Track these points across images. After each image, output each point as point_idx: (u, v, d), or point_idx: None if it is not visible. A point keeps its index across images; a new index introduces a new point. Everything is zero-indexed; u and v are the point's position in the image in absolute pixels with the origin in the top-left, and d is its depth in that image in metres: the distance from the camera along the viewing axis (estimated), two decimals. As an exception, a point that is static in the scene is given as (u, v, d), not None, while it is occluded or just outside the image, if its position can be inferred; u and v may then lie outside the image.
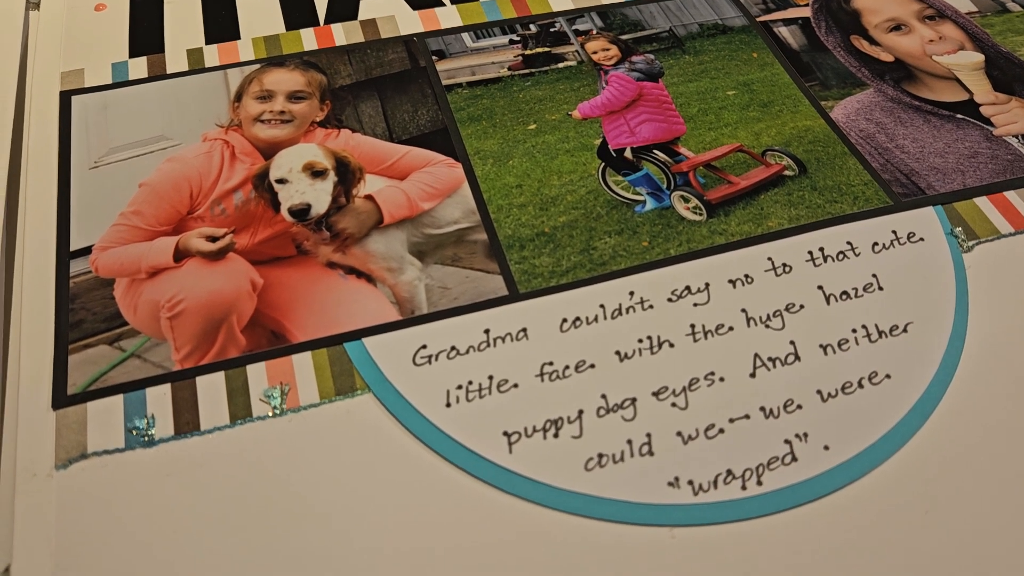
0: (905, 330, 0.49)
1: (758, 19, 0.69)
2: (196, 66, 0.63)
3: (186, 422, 0.45)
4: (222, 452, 0.44)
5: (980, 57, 0.66)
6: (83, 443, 0.44)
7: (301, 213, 0.54)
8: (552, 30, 0.67)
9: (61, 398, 0.46)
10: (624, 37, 0.66)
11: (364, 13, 0.68)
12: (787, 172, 0.58)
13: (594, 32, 0.67)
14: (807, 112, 0.62)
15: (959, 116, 0.62)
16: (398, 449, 0.45)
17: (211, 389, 0.47)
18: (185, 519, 0.42)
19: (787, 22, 0.69)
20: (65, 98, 0.60)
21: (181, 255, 0.52)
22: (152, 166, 0.56)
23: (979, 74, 0.65)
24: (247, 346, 0.49)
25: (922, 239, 0.54)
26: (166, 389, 0.46)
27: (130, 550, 0.41)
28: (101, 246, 0.52)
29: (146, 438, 0.45)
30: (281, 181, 0.55)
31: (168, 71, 0.63)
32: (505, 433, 0.45)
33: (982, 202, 0.56)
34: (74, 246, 0.53)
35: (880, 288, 0.51)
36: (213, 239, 0.53)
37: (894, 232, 0.54)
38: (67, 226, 0.53)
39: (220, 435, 0.45)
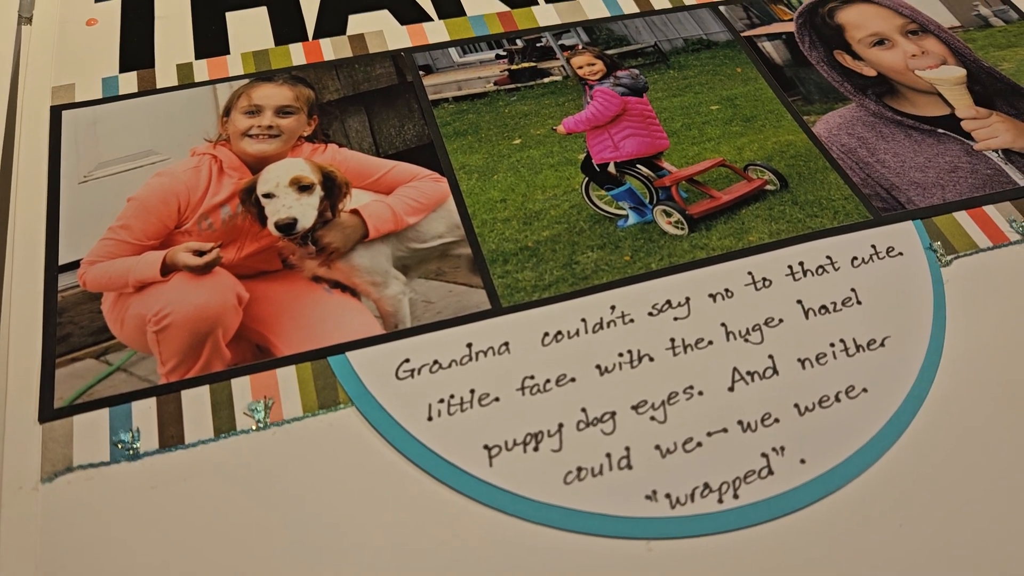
0: (883, 344, 0.50)
1: (742, 34, 0.70)
2: (186, 81, 0.64)
3: (171, 436, 0.46)
4: (206, 465, 0.45)
5: (962, 72, 0.66)
6: (69, 456, 0.45)
7: (287, 227, 0.54)
8: (538, 45, 0.68)
9: (47, 411, 0.46)
10: (610, 52, 0.67)
11: (352, 28, 0.69)
12: (769, 187, 0.58)
13: (580, 47, 0.68)
14: (789, 127, 0.62)
15: (940, 131, 0.63)
16: (380, 462, 0.45)
17: (196, 403, 0.47)
18: (169, 532, 0.43)
19: (771, 37, 0.69)
20: (55, 113, 0.61)
21: (168, 269, 0.53)
22: (141, 181, 0.57)
23: (961, 89, 0.65)
24: (232, 360, 0.49)
25: (901, 253, 0.55)
26: (151, 403, 0.47)
27: (115, 563, 0.41)
28: (89, 260, 0.53)
29: (131, 451, 0.45)
30: (268, 195, 0.55)
31: (158, 86, 0.64)
32: (486, 447, 0.46)
33: (961, 216, 0.57)
34: (63, 260, 0.53)
35: (859, 302, 0.52)
36: (200, 253, 0.53)
37: (873, 247, 0.55)
38: (56, 240, 0.54)
39: (204, 448, 0.46)
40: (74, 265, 0.53)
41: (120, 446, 0.45)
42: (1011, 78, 0.67)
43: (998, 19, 0.73)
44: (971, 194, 0.58)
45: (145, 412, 0.47)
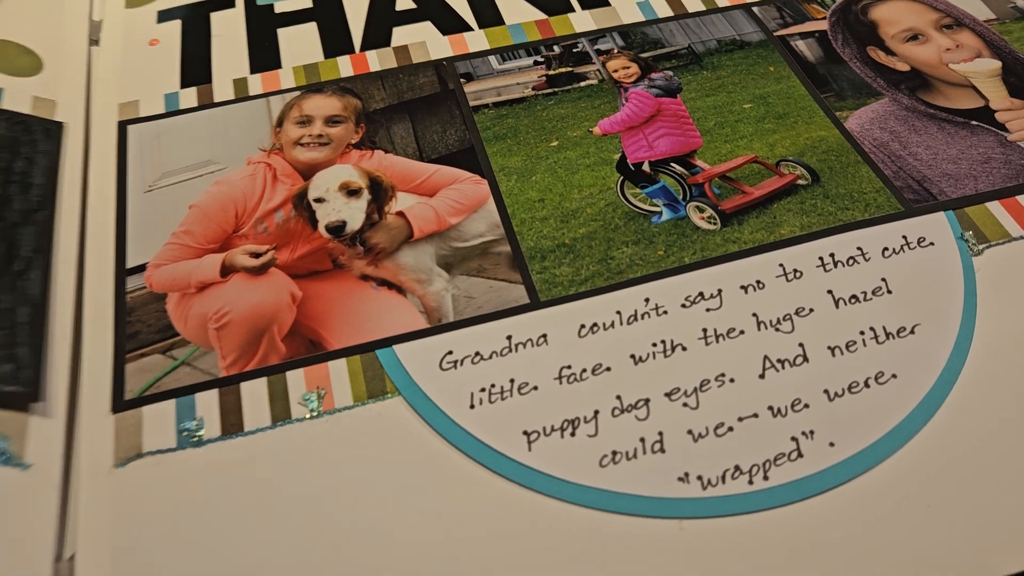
0: (912, 332, 0.51)
1: (775, 33, 0.71)
2: (241, 94, 0.68)
3: (231, 424, 0.49)
4: (264, 451, 0.48)
5: (997, 64, 0.67)
6: (139, 444, 0.48)
7: (337, 230, 0.57)
8: (575, 50, 0.70)
9: (119, 403, 0.50)
10: (644, 55, 0.69)
11: (397, 40, 0.72)
12: (800, 181, 0.60)
13: (615, 51, 0.70)
14: (822, 123, 0.64)
15: (974, 123, 0.63)
16: (425, 448, 0.48)
17: (254, 394, 0.50)
18: (229, 512, 0.46)
19: (804, 35, 0.71)
20: (122, 127, 0.65)
21: (227, 271, 0.56)
22: (201, 189, 0.60)
23: (995, 81, 0.66)
24: (287, 354, 0.52)
25: (932, 243, 0.55)
26: (213, 394, 0.50)
27: (179, 539, 0.45)
28: (155, 263, 0.57)
29: (195, 439, 0.48)
30: (319, 200, 0.58)
31: (215, 100, 0.67)
32: (525, 432, 0.48)
33: (994, 206, 0.57)
34: (130, 263, 0.57)
35: (889, 291, 0.53)
36: (256, 255, 0.56)
37: (904, 237, 0.56)
38: (124, 245, 0.58)
39: (262, 436, 0.49)
40: (141, 268, 0.57)
41: (185, 434, 0.49)
42: (1047, 69, 0.67)
43: (1035, 10, 0.73)
44: (1004, 184, 0.58)
45: (208, 403, 0.50)
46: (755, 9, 0.73)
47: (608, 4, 0.74)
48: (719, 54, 0.70)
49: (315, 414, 0.49)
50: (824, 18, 0.72)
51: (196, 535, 0.45)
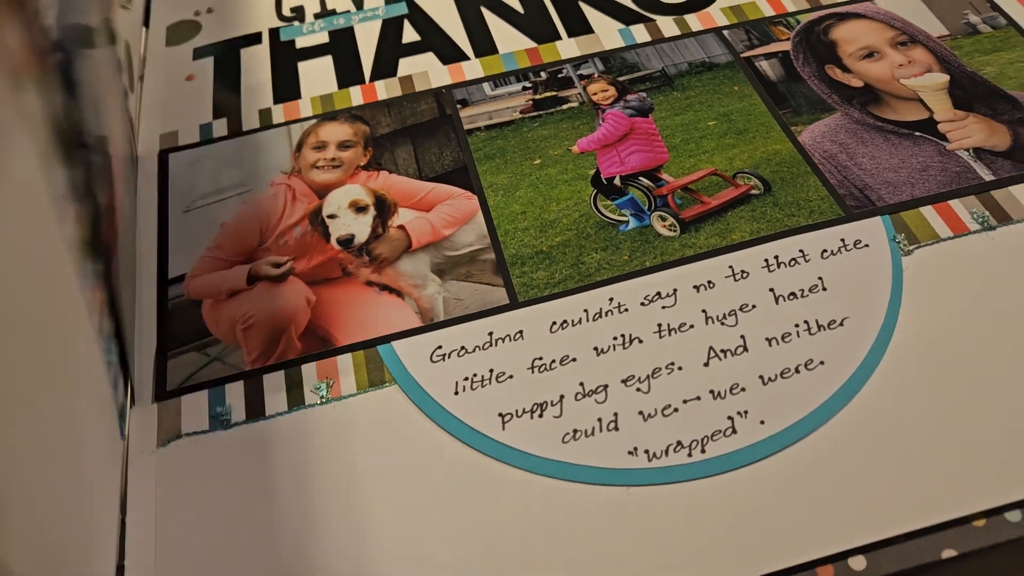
0: (841, 324, 0.58)
1: (742, 55, 0.78)
2: (266, 123, 0.76)
3: (255, 410, 0.57)
4: (282, 432, 0.56)
5: (945, 78, 0.73)
6: (178, 427, 0.57)
7: (346, 242, 0.66)
8: (559, 76, 0.78)
9: (162, 393, 0.59)
10: (622, 78, 0.77)
11: (402, 70, 0.80)
12: (754, 191, 0.67)
13: (595, 75, 0.77)
14: (778, 137, 0.71)
15: (917, 134, 0.70)
16: (417, 429, 0.56)
17: (274, 384, 0.58)
18: (254, 483, 0.54)
19: (768, 56, 0.78)
20: (163, 155, 0.75)
21: (253, 279, 0.65)
22: (230, 208, 0.69)
23: (941, 94, 0.72)
24: (302, 350, 0.61)
25: (867, 245, 0.62)
26: (240, 385, 0.58)
27: (213, 507, 0.53)
28: (192, 274, 0.65)
29: (225, 422, 0.57)
30: (331, 216, 0.67)
31: (244, 129, 0.76)
32: (500, 414, 0.56)
33: (927, 210, 0.64)
34: (171, 274, 0.65)
35: (824, 289, 0.60)
36: (277, 265, 0.65)
37: (842, 240, 0.63)
38: (166, 259, 0.66)
39: (281, 419, 0.57)
40: (180, 278, 0.65)
41: (216, 418, 0.58)
42: (992, 81, 0.73)
43: (986, 26, 0.79)
44: (938, 190, 0.65)
45: (236, 392, 0.58)
46: (725, 32, 0.80)
47: (592, 32, 0.82)
48: (689, 76, 0.77)
49: (324, 400, 0.58)
50: (788, 39, 0.79)
51: (225, 503, 0.53)
